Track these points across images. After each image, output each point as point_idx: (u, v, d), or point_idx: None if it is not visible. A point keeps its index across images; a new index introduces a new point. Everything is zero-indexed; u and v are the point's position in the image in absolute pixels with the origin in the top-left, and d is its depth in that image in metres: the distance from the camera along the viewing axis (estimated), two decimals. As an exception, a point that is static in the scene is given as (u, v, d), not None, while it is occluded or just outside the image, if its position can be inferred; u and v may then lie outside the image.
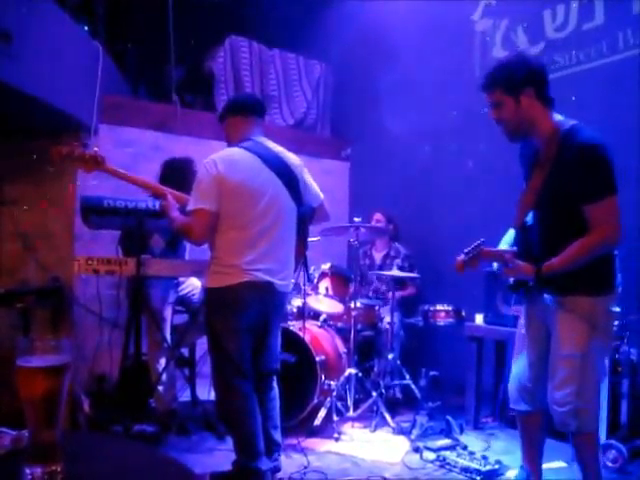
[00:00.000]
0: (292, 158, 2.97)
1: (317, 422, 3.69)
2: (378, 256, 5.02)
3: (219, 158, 2.76)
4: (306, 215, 3.03)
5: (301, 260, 3.08)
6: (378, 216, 4.90)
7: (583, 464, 2.40)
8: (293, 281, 3.06)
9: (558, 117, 2.34)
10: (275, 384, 3.03)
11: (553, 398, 2.34)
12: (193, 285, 3.89)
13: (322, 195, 3.08)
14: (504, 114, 2.34)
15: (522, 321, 2.60)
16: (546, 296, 2.40)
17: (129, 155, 4.66)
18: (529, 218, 2.44)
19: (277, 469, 2.92)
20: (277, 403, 3.01)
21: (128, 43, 5.46)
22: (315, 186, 3.06)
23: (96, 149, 2.88)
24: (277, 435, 2.96)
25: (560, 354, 2.33)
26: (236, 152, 2.83)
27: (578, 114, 3.91)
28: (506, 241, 2.80)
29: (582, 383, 2.29)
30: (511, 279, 2.43)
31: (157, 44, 5.29)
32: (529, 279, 2.33)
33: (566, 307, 2.32)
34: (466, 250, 2.31)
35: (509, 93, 2.29)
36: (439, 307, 4.10)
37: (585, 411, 2.29)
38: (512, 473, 2.73)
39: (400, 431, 3.70)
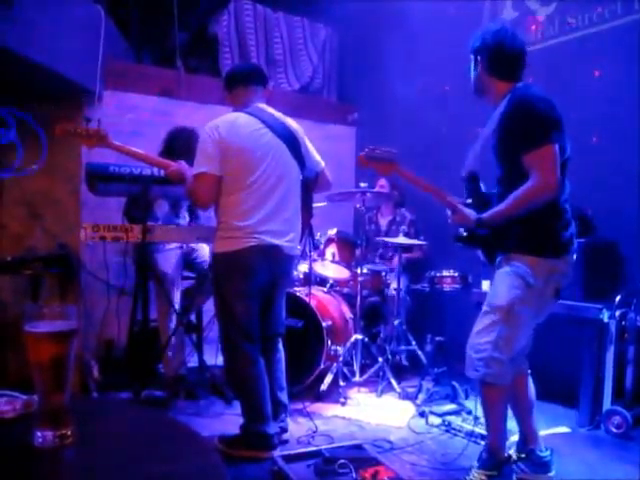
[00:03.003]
0: (292, 123, 2.98)
1: (324, 387, 3.72)
2: (384, 222, 5.00)
3: (221, 122, 2.77)
4: (310, 181, 3.03)
5: (307, 227, 3.09)
6: (382, 182, 4.87)
7: (486, 414, 2.50)
8: (299, 247, 3.06)
9: (511, 87, 2.46)
10: (281, 346, 3.07)
11: (471, 343, 2.43)
12: (204, 251, 3.88)
13: (323, 163, 3.07)
14: (472, 71, 2.56)
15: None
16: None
17: (133, 121, 4.62)
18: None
19: (284, 430, 2.97)
20: (283, 365, 3.05)
21: (131, 7, 5.36)
22: (316, 153, 3.06)
23: (99, 125, 2.90)
24: (283, 396, 3.00)
25: (488, 303, 2.43)
26: (238, 116, 2.84)
27: (590, 76, 3.85)
28: None
29: (502, 335, 2.35)
30: (462, 231, 2.53)
31: (160, 8, 5.20)
32: (470, 226, 2.43)
33: (507, 262, 2.40)
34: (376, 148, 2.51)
35: (473, 57, 2.54)
36: (445, 273, 4.09)
37: (497, 362, 2.34)
38: (516, 438, 2.75)
39: (406, 396, 3.74)
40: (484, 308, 2.45)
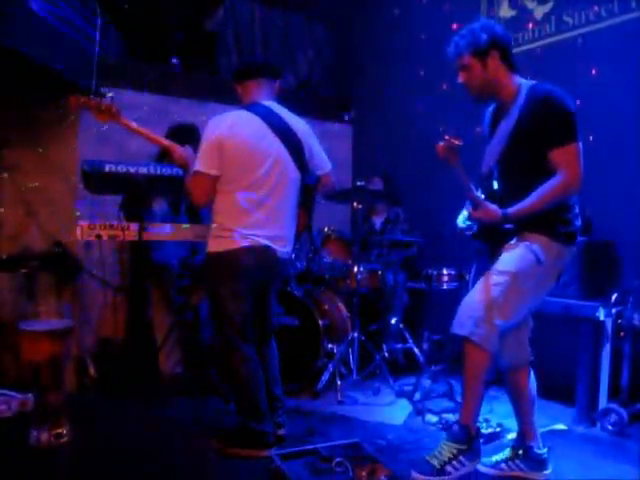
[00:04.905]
0: (299, 124, 2.95)
1: (320, 385, 3.72)
2: (378, 220, 5.00)
3: (223, 120, 2.76)
4: (311, 185, 3.01)
5: (306, 229, 3.08)
6: (376, 180, 4.87)
7: (465, 379, 2.46)
8: (297, 246, 3.06)
9: (522, 80, 2.50)
10: (273, 341, 3.07)
11: (465, 301, 2.44)
12: (202, 250, 3.88)
13: (329, 165, 3.05)
14: (472, 76, 2.49)
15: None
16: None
17: (129, 118, 4.60)
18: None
19: (280, 425, 2.97)
20: (277, 359, 3.06)
21: (126, 4, 5.34)
22: (322, 154, 3.03)
23: (112, 100, 2.89)
24: (278, 389, 3.01)
25: (494, 268, 2.43)
26: (241, 114, 2.82)
27: (587, 75, 3.85)
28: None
29: (499, 299, 2.35)
30: (475, 226, 2.54)
31: (157, 5, 5.18)
32: (494, 222, 2.40)
33: (521, 240, 2.42)
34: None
35: (476, 56, 2.45)
36: (442, 271, 4.09)
37: (487, 324, 2.33)
38: (513, 436, 2.76)
39: (403, 394, 3.73)
40: (487, 272, 2.46)
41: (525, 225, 2.39)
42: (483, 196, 2.53)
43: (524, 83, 2.47)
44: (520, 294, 2.39)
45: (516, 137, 2.42)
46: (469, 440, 2.43)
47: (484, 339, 2.34)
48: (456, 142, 2.36)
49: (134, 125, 2.94)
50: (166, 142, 3.04)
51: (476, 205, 2.44)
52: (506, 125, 2.46)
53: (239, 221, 2.72)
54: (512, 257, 2.40)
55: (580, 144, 2.33)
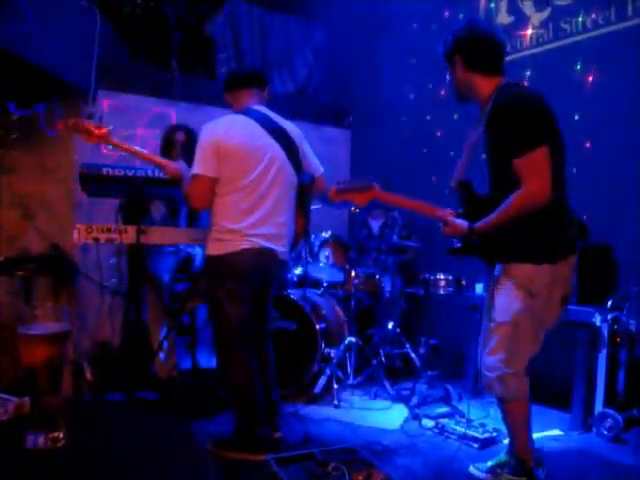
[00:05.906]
0: (292, 127, 2.98)
1: (317, 389, 3.72)
2: (375, 225, 5.00)
3: (219, 123, 2.78)
4: (306, 185, 3.02)
5: (303, 232, 3.09)
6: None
7: (509, 427, 2.50)
8: (294, 249, 3.06)
9: (501, 80, 2.39)
10: (270, 344, 3.08)
11: (484, 363, 2.42)
12: (199, 255, 3.87)
13: (322, 168, 3.06)
14: (450, 78, 2.53)
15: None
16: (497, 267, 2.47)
17: (127, 121, 4.61)
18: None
19: (277, 429, 2.97)
20: (272, 362, 3.06)
21: (125, 8, 5.35)
22: (314, 157, 3.05)
23: (100, 121, 2.91)
24: (275, 393, 3.02)
25: (493, 319, 2.41)
26: (236, 117, 2.85)
27: (584, 82, 3.87)
28: None
29: (512, 351, 2.35)
30: (456, 242, 2.50)
31: (156, 8, 5.19)
32: (463, 237, 2.39)
33: (506, 274, 2.37)
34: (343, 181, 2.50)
35: (446, 60, 2.50)
36: (439, 276, 4.10)
37: (513, 377, 2.35)
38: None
39: (399, 399, 3.74)
40: (490, 324, 2.42)
41: (509, 255, 2.35)
42: (463, 209, 2.49)
43: (500, 83, 2.37)
44: (527, 335, 2.35)
45: (484, 145, 2.35)
46: (527, 472, 2.43)
47: (515, 392, 2.38)
48: (350, 184, 2.49)
49: (126, 145, 2.96)
50: (158, 159, 3.06)
51: (444, 222, 2.42)
52: (475, 134, 2.43)
53: (238, 222, 2.72)
54: (505, 303, 2.36)
55: (544, 149, 2.15)
